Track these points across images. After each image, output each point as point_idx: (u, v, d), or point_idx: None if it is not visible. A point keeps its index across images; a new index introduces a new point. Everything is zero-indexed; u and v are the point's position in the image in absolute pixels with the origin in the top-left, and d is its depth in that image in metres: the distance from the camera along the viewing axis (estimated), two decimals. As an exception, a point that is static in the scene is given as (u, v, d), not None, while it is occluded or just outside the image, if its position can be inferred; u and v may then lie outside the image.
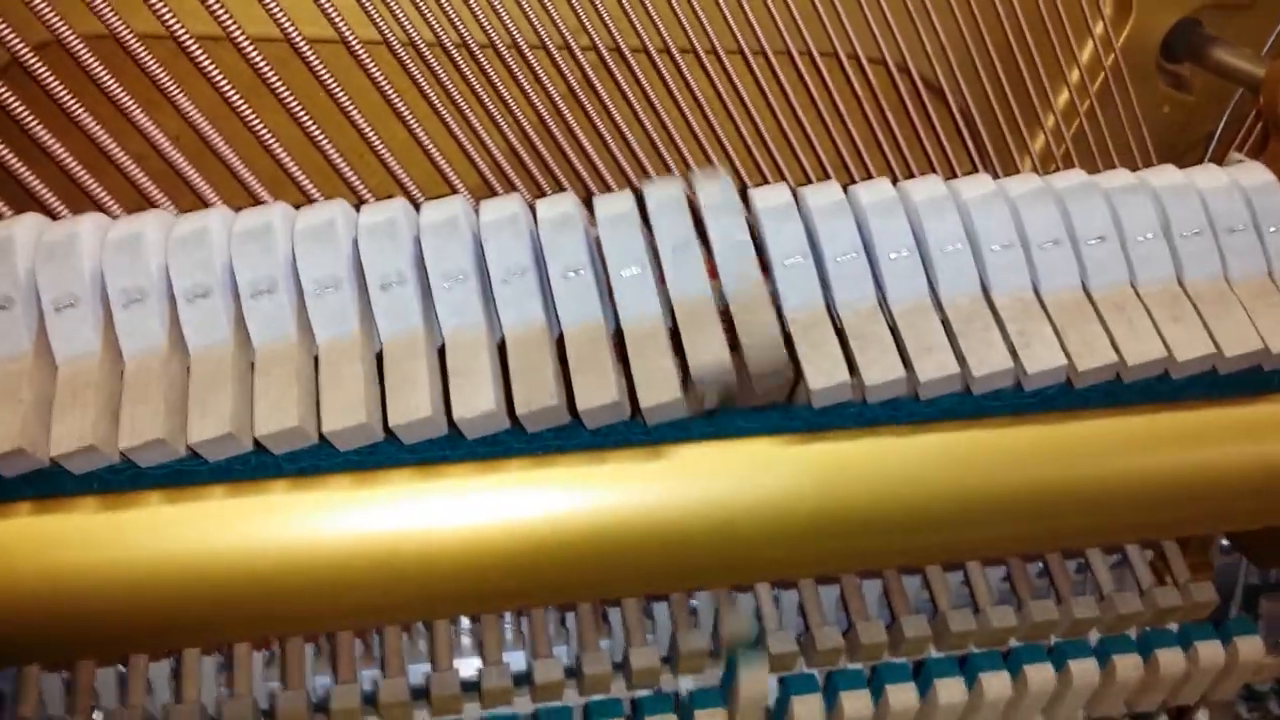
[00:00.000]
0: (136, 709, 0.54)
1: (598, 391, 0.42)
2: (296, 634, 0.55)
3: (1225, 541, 0.69)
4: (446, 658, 0.57)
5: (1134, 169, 0.62)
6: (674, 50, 0.54)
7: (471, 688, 0.58)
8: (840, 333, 0.45)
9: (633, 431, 0.44)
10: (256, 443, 0.40)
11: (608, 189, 0.56)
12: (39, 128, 0.46)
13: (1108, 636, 0.60)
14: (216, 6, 0.47)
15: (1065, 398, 0.47)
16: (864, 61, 0.57)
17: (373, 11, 0.50)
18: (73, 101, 0.47)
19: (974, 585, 0.60)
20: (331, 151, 0.51)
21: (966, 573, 0.61)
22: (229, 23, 0.47)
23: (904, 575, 0.61)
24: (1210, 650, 0.58)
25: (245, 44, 0.48)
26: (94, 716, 0.56)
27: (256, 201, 0.50)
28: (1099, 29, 0.62)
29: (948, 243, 0.47)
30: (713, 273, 0.46)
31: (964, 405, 0.46)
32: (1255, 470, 0.49)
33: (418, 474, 0.42)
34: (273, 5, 0.48)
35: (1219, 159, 0.70)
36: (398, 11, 0.50)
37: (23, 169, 0.46)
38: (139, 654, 0.53)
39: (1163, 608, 0.60)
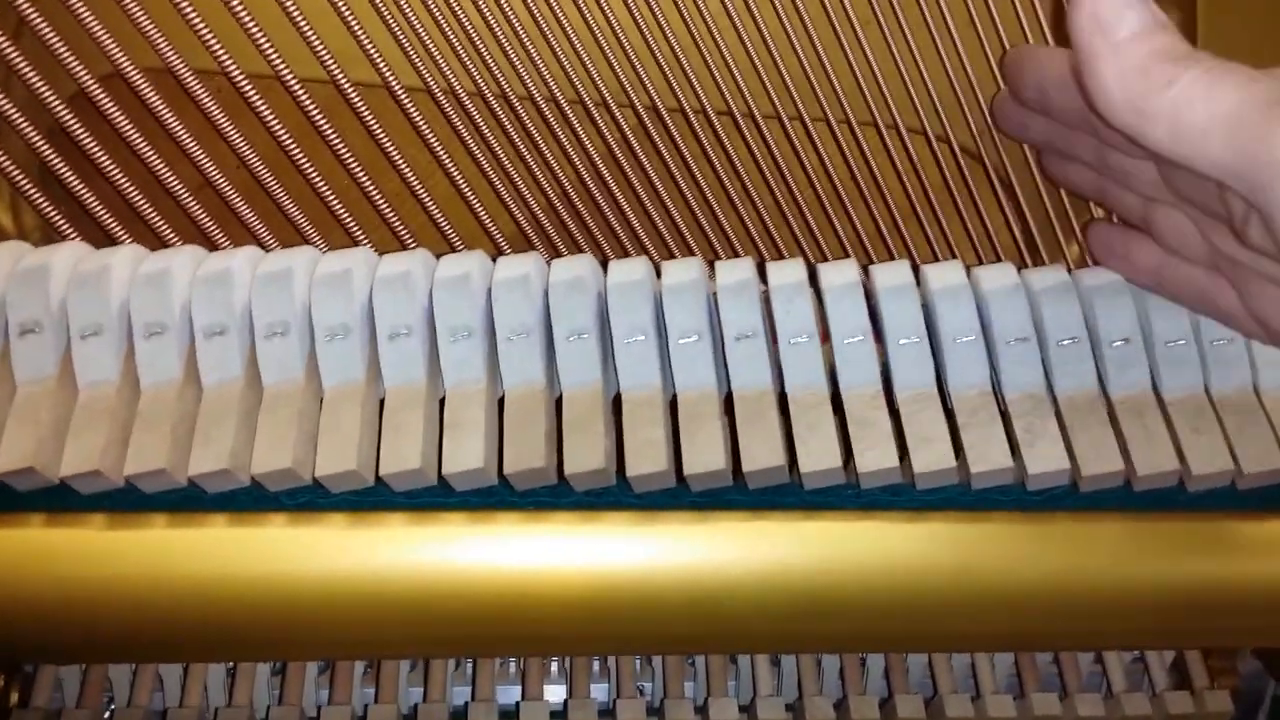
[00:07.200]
0: (192, 709, 0.58)
1: (586, 456, 0.43)
2: (279, 660, 0.57)
3: (1255, 647, 0.67)
4: (488, 686, 0.59)
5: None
6: (710, 113, 0.55)
7: (509, 717, 0.59)
8: (841, 415, 0.45)
9: (625, 495, 0.45)
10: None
11: (642, 247, 0.57)
12: (102, 155, 0.49)
13: (1110, 739, 0.59)
14: (268, 47, 0.49)
15: (1073, 498, 0.46)
16: (903, 131, 0.56)
17: (417, 61, 0.52)
18: (133, 131, 0.49)
19: (978, 669, 0.59)
20: (376, 195, 0.52)
21: (973, 655, 0.60)
22: (280, 64, 0.49)
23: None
24: (1216, 765, 0.56)
25: (295, 86, 0.50)
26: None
27: (304, 238, 0.52)
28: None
29: (961, 333, 0.47)
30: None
31: (965, 496, 0.46)
32: (1270, 588, 0.47)
33: (409, 519, 0.43)
34: (321, 50, 0.50)
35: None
36: (441, 63, 0.52)
37: (87, 194, 0.49)
38: (135, 663, 0.56)
39: (1173, 714, 0.58)
